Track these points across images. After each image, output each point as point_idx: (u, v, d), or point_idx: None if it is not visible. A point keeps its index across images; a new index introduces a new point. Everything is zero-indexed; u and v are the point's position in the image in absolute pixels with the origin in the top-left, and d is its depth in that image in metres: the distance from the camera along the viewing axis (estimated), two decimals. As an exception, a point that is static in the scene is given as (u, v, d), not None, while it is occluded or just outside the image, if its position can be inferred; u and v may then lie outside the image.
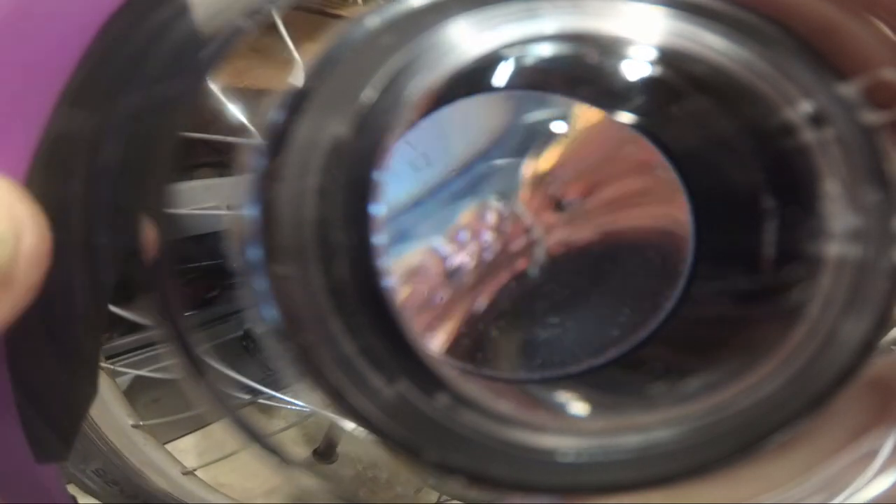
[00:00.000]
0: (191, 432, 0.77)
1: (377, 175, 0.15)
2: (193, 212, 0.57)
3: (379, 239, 0.15)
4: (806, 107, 0.17)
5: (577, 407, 0.21)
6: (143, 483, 0.57)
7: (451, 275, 0.22)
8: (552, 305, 0.22)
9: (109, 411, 0.56)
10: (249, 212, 0.15)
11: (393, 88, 0.16)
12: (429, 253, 0.22)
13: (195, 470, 0.59)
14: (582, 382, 0.22)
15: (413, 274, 0.22)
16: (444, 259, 0.22)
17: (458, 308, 0.22)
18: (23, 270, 0.13)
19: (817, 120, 0.17)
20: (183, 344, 0.17)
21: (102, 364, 0.56)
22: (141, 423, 0.57)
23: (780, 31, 0.17)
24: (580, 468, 0.16)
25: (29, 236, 0.13)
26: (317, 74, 0.15)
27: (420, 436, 0.16)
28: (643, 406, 0.19)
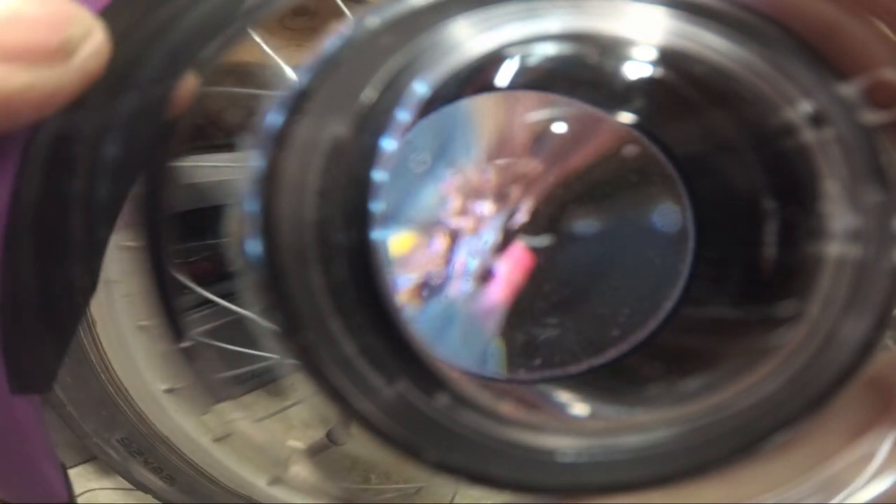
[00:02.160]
0: (223, 401, 0.75)
1: (377, 175, 0.15)
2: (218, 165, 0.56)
3: (379, 239, 0.15)
4: (806, 107, 0.17)
5: (577, 407, 0.21)
6: (169, 453, 0.56)
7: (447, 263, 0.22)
8: (552, 305, 0.22)
9: (141, 376, 0.54)
10: (249, 212, 0.15)
11: (393, 88, 0.16)
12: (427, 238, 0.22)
13: (227, 436, 0.58)
14: (582, 383, 0.22)
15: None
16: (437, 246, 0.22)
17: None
18: (84, 53, 0.15)
19: (817, 120, 0.17)
20: (167, 311, 0.17)
21: (142, 323, 0.54)
22: (176, 386, 0.55)
23: (780, 31, 0.17)
24: (580, 468, 0.16)
25: (99, 35, 0.15)
26: (317, 74, 0.15)
27: (420, 436, 0.16)
28: (643, 406, 0.19)
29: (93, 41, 0.15)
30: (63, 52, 0.15)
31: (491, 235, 0.22)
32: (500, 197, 0.22)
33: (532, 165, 0.22)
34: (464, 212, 0.22)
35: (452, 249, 0.22)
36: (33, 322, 0.18)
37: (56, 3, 0.15)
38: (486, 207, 0.22)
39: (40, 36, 0.14)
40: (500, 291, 0.22)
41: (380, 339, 0.15)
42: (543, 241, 0.22)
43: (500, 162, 0.22)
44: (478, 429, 0.16)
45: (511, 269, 0.22)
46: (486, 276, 0.22)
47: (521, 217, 0.22)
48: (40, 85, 0.14)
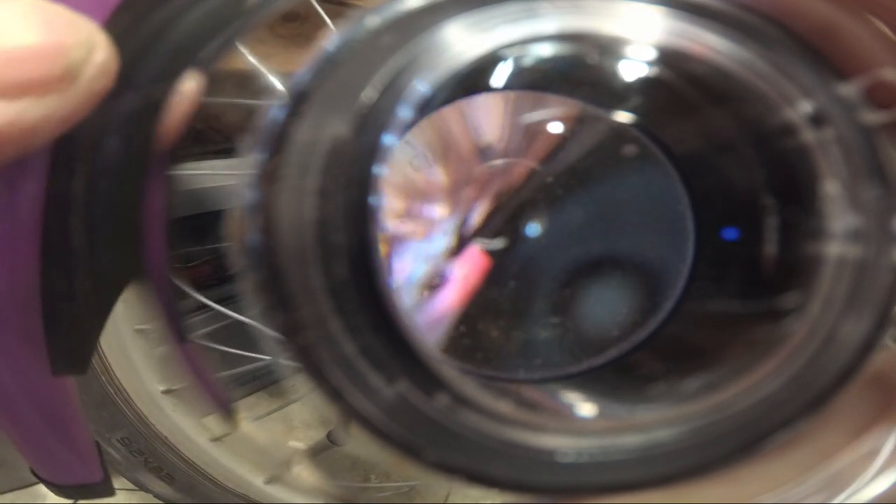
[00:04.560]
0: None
1: (377, 175, 0.15)
2: (216, 173, 0.57)
3: (378, 238, 0.15)
4: (806, 107, 0.17)
5: (578, 407, 0.21)
6: (168, 453, 0.57)
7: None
8: (552, 305, 0.22)
9: (139, 377, 0.55)
10: (249, 212, 0.15)
11: (393, 88, 0.16)
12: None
13: (224, 437, 0.58)
14: (582, 383, 0.22)
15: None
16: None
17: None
18: (88, 75, 0.15)
19: (817, 120, 0.17)
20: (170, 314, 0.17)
21: (139, 327, 0.54)
22: (173, 387, 0.56)
23: (780, 31, 0.17)
24: (580, 468, 0.16)
25: (102, 52, 0.15)
26: (317, 74, 0.15)
27: (420, 436, 0.16)
28: (644, 405, 0.19)
29: (97, 58, 0.15)
30: (68, 78, 0.15)
31: (449, 239, 0.22)
32: (496, 197, 0.22)
33: (530, 165, 0.22)
34: (445, 211, 0.22)
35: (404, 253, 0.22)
36: (68, 309, 0.19)
37: (56, 26, 0.14)
38: (478, 207, 0.22)
39: (44, 68, 0.14)
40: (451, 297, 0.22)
41: (380, 339, 0.15)
42: (541, 241, 0.22)
43: (498, 162, 0.22)
44: (478, 429, 0.16)
45: (467, 273, 0.22)
46: (437, 283, 0.22)
47: (520, 218, 0.22)
48: (53, 113, 0.15)
